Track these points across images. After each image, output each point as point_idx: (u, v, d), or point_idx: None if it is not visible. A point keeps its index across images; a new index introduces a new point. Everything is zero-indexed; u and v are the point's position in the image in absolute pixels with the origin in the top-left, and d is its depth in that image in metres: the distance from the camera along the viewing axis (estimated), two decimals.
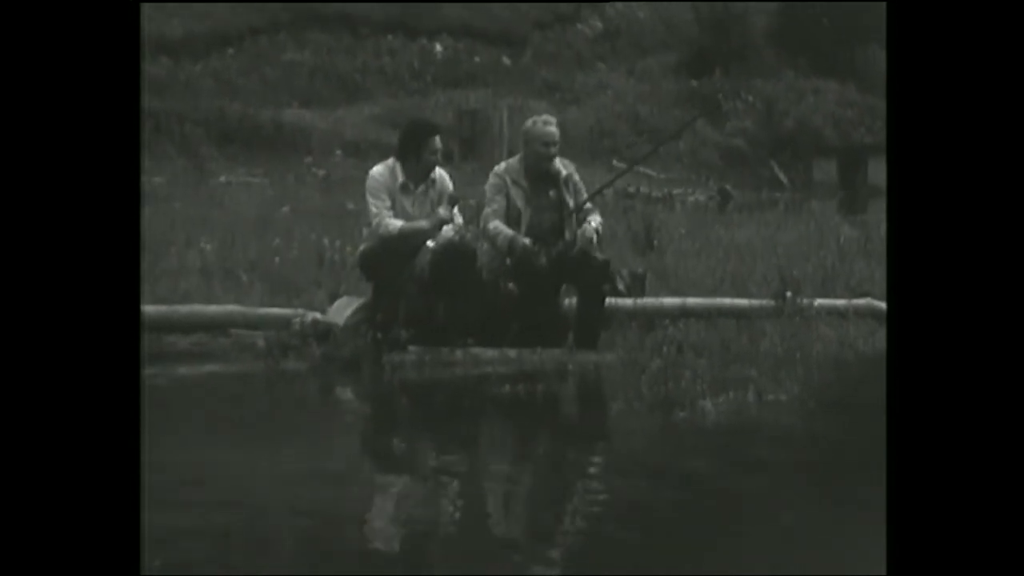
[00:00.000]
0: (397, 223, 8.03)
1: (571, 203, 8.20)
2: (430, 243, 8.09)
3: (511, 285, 8.00)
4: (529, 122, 8.36)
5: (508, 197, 8.14)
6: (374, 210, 8.06)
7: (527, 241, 7.98)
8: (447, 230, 8.14)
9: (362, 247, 8.33)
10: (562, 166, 8.29)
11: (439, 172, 8.27)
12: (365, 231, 8.32)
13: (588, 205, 8.26)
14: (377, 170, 8.22)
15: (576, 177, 8.34)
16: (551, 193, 8.23)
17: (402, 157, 8.18)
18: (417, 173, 8.14)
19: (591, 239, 8.06)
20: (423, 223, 8.09)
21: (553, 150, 8.17)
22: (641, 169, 28.02)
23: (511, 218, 8.12)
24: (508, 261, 8.04)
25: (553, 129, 8.20)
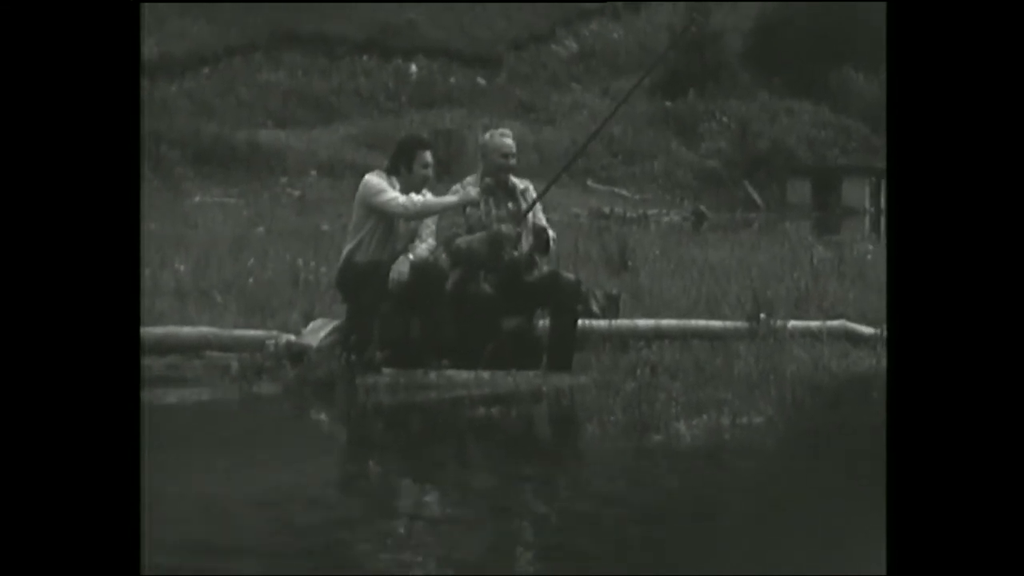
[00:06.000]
0: (419, 198, 8.04)
1: (529, 215, 8.28)
2: (408, 256, 8.07)
3: (485, 286, 8.02)
4: (487, 135, 8.53)
5: (465, 212, 8.17)
6: (388, 196, 8.00)
7: (504, 227, 8.09)
8: (422, 248, 8.13)
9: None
10: (518, 181, 8.36)
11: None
12: (346, 247, 8.25)
13: (544, 222, 8.33)
14: (373, 175, 8.23)
15: (533, 191, 8.40)
16: (509, 205, 8.30)
17: (393, 171, 8.19)
18: (408, 187, 8.14)
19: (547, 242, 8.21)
20: (451, 198, 8.11)
21: (511, 161, 8.30)
22: (616, 190, 28.10)
23: (473, 230, 8.18)
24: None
25: (510, 141, 8.36)
